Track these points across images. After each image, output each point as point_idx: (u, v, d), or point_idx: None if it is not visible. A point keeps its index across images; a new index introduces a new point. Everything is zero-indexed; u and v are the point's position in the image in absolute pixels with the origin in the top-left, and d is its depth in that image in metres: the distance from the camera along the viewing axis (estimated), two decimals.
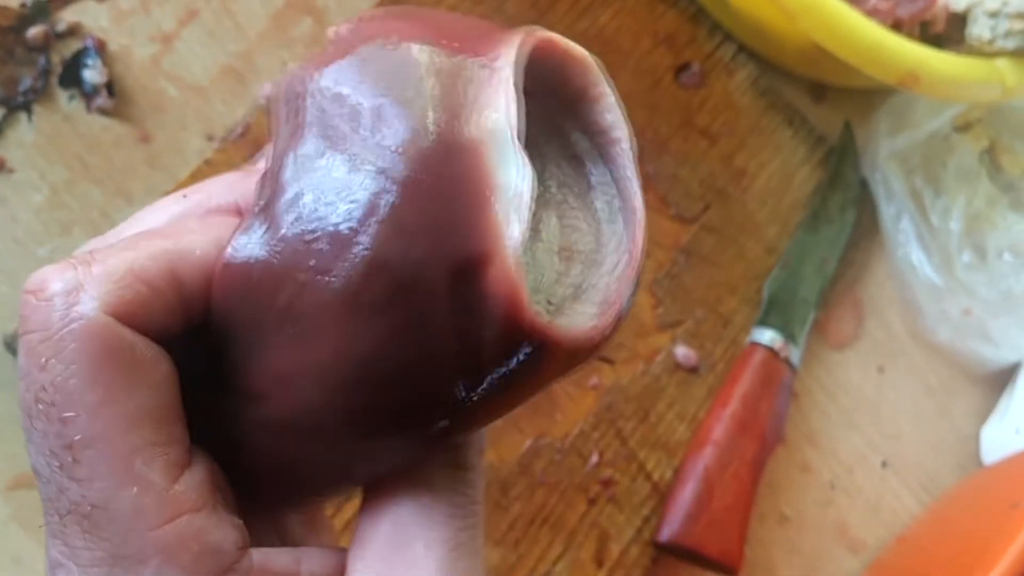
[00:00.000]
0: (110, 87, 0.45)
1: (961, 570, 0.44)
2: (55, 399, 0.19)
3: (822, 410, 0.55)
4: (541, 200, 0.22)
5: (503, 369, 0.19)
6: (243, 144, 0.46)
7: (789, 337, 0.53)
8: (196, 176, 0.45)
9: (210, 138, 0.46)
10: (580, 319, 0.20)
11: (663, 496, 0.49)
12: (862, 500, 0.55)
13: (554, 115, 0.22)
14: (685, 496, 0.48)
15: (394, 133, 0.19)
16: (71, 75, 0.45)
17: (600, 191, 0.22)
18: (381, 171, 0.19)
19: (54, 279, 0.19)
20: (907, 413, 0.57)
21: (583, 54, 0.21)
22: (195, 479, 0.20)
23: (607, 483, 0.48)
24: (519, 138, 0.19)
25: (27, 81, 0.44)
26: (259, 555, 0.20)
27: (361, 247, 0.18)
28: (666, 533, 0.48)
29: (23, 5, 0.45)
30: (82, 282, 0.19)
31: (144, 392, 0.19)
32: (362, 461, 0.21)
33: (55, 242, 0.43)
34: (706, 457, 0.49)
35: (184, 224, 0.21)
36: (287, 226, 0.19)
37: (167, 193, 0.44)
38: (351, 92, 0.19)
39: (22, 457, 0.40)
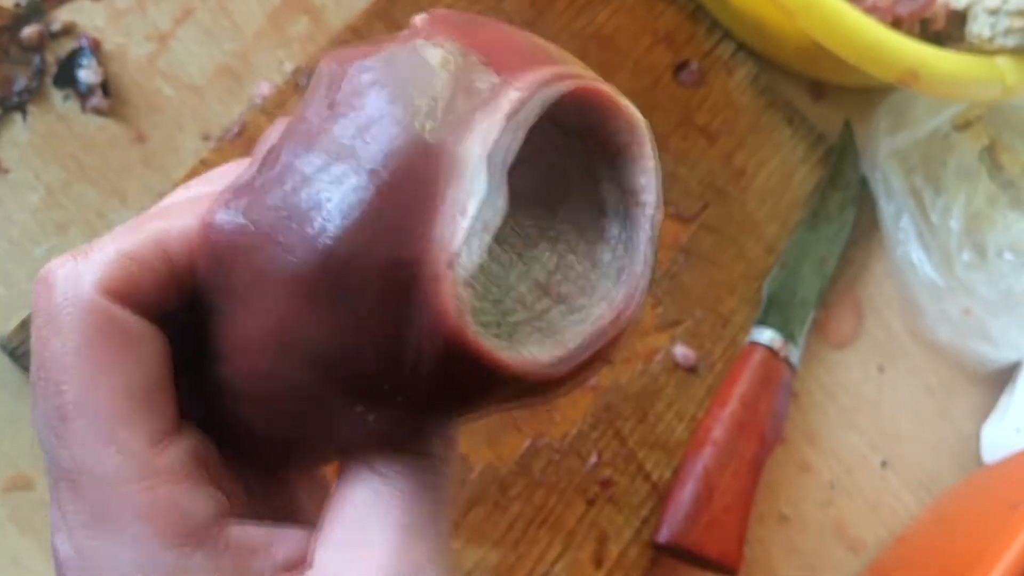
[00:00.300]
0: (105, 87, 0.45)
1: (961, 570, 0.44)
2: (52, 373, 0.20)
3: (822, 410, 0.55)
4: (543, 233, 0.23)
5: (433, 377, 0.20)
6: (239, 143, 0.46)
7: (788, 336, 0.53)
8: (192, 176, 0.44)
9: (206, 138, 0.46)
10: (528, 352, 0.21)
11: (662, 496, 0.49)
12: (862, 500, 0.54)
13: (594, 161, 0.23)
14: (684, 496, 0.48)
15: (385, 141, 0.19)
16: (66, 75, 0.44)
17: (611, 247, 0.23)
18: (361, 170, 0.19)
19: (57, 268, 0.21)
20: (907, 413, 0.57)
21: (633, 113, 0.22)
22: (178, 451, 0.21)
23: (606, 483, 0.48)
24: (501, 165, 0.19)
25: (22, 81, 0.44)
26: (237, 529, 0.21)
27: (322, 235, 0.19)
28: (665, 533, 0.47)
29: (18, 5, 0.45)
30: (80, 269, 0.21)
31: (132, 366, 0.21)
32: (312, 431, 0.22)
33: (51, 242, 0.43)
34: (705, 457, 0.49)
35: (176, 205, 0.22)
36: (268, 199, 0.20)
37: (163, 193, 0.44)
38: (366, 91, 0.20)
39: (18, 458, 0.40)
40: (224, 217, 0.21)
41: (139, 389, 0.21)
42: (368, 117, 0.20)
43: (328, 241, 0.19)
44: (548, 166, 0.23)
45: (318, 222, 0.19)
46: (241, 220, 0.21)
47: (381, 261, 0.19)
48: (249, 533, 0.22)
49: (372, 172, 0.19)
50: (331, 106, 0.20)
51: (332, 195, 0.19)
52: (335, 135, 0.20)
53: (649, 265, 0.22)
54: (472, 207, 0.19)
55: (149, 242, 0.21)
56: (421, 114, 0.19)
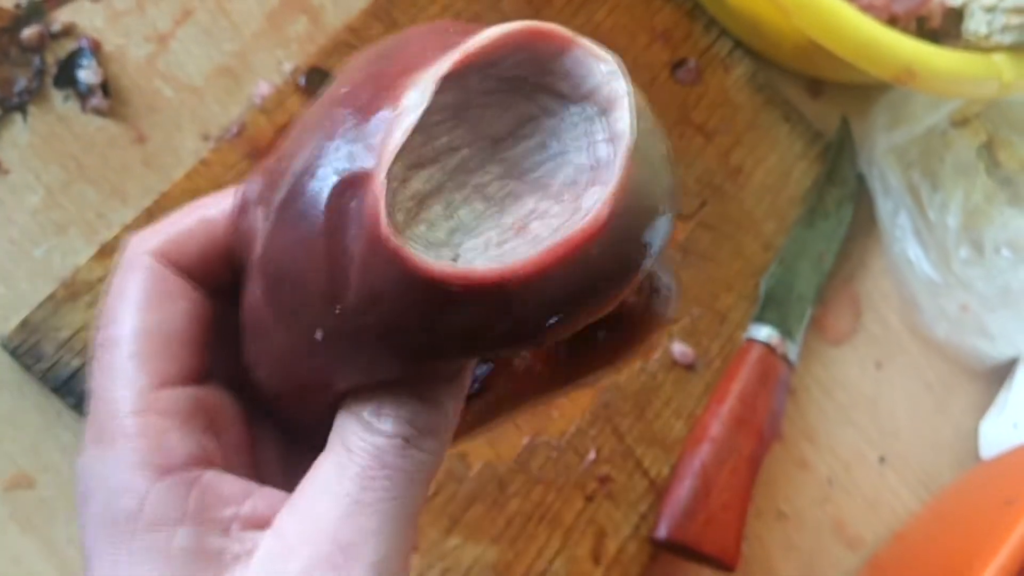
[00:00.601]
0: (105, 87, 0.45)
1: (958, 566, 0.44)
2: (103, 315, 0.24)
3: (819, 406, 0.55)
4: (529, 184, 0.23)
5: (364, 285, 0.21)
6: (239, 143, 0.46)
7: (786, 333, 0.53)
8: (191, 176, 0.45)
9: (206, 138, 0.46)
10: (465, 264, 0.21)
11: (660, 493, 0.49)
12: (860, 496, 0.55)
13: (592, 123, 0.23)
14: (682, 493, 0.48)
15: (369, 92, 0.21)
16: (66, 76, 0.45)
17: (596, 193, 0.23)
18: (338, 110, 0.21)
19: (130, 236, 0.25)
20: (905, 409, 0.57)
21: (595, 50, 0.23)
22: (181, 395, 0.24)
23: (604, 480, 0.48)
24: (432, 88, 0.21)
25: (22, 82, 0.44)
26: (213, 476, 0.23)
27: (290, 162, 0.22)
28: (663, 530, 0.48)
29: (18, 6, 0.45)
30: (143, 236, 0.25)
31: (161, 315, 0.24)
32: (291, 373, 0.24)
33: (51, 242, 0.43)
34: (703, 454, 0.49)
35: (228, 191, 0.25)
36: (269, 163, 0.23)
37: (163, 193, 0.45)
38: (360, 62, 0.23)
39: (19, 457, 0.41)
40: (242, 187, 0.24)
41: (160, 335, 0.24)
42: (352, 86, 0.22)
43: (299, 175, 0.21)
44: (548, 134, 0.24)
45: (288, 157, 0.22)
46: (252, 184, 0.24)
47: (336, 180, 0.21)
48: (225, 483, 0.23)
49: (348, 129, 0.21)
50: (337, 86, 0.23)
51: (315, 149, 0.21)
52: (329, 110, 0.22)
53: (622, 189, 0.21)
54: (404, 119, 0.20)
55: (196, 216, 0.25)
56: (396, 71, 0.22)
